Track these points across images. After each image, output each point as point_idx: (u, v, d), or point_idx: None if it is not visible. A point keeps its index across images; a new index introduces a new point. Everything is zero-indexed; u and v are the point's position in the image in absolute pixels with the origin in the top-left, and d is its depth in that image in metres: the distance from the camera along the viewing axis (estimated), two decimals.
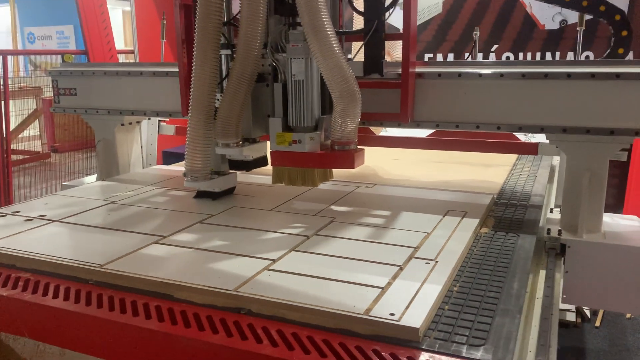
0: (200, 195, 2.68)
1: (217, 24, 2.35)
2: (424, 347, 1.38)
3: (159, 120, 3.77)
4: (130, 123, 3.37)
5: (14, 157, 7.85)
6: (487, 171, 3.34)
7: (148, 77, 3.08)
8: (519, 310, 1.59)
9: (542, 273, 2.12)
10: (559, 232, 2.35)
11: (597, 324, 3.54)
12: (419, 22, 5.67)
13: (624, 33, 2.88)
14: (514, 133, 2.67)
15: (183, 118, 3.05)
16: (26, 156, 8.44)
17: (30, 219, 2.36)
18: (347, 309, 1.49)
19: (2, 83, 5.17)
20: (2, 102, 5.14)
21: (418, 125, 2.52)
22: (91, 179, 3.45)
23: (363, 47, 2.48)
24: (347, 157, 2.31)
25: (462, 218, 2.31)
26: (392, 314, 1.47)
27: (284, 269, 1.79)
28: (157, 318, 1.57)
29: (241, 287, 1.65)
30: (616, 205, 5.26)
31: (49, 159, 8.61)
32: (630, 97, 2.15)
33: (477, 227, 2.25)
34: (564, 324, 3.49)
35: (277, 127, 2.40)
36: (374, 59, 2.47)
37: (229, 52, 2.54)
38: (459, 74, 2.39)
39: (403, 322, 1.43)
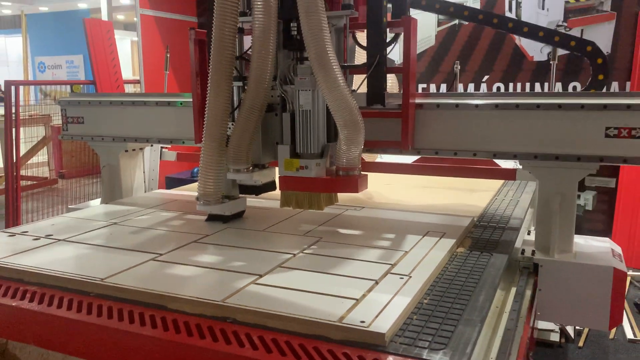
0: (212, 218, 2.82)
1: (230, 58, 2.52)
2: (389, 351, 1.53)
3: (161, 147, 3.97)
4: (133, 150, 3.56)
5: (23, 182, 8.09)
6: (472, 195, 3.50)
7: (150, 106, 3.28)
8: (481, 320, 1.74)
9: (514, 290, 2.27)
10: (533, 252, 2.50)
11: (581, 344, 3.65)
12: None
13: (599, 60, 3.02)
14: (494, 160, 2.83)
15: (183, 145, 3.25)
16: (35, 182, 8.67)
17: (37, 238, 2.54)
18: (322, 317, 1.64)
19: (13, 112, 5.41)
20: (13, 130, 5.37)
21: (419, 152, 2.67)
22: (96, 202, 3.64)
23: (366, 80, 2.62)
24: (352, 182, 2.45)
25: (440, 238, 2.47)
26: (362, 322, 1.62)
27: (269, 283, 1.94)
28: (151, 325, 1.73)
29: (228, 299, 1.80)
30: (605, 230, 5.38)
31: (56, 184, 8.85)
32: (593, 126, 2.32)
33: (454, 247, 2.41)
34: (548, 344, 3.60)
35: (285, 154, 2.55)
36: (376, 91, 2.61)
37: (240, 84, 2.71)
38: (438, 105, 2.58)
39: (371, 328, 1.58)
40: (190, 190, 3.70)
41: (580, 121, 2.33)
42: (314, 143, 2.49)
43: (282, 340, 1.60)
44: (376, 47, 2.55)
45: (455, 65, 3.70)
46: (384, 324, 1.60)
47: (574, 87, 5.32)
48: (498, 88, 5.58)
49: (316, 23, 2.26)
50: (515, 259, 2.49)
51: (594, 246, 2.62)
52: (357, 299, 1.78)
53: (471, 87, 5.73)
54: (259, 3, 2.39)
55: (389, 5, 2.66)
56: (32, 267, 2.13)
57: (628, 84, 5.11)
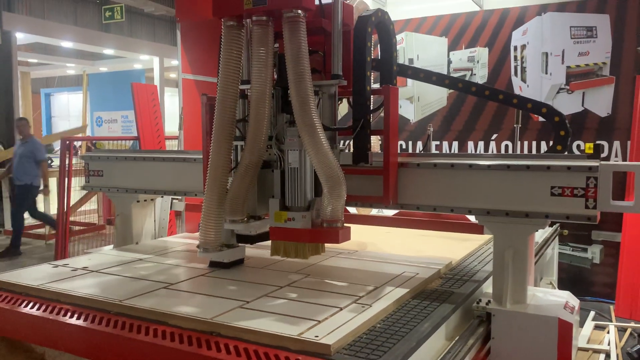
0: (213, 265, 3.07)
1: (231, 120, 2.79)
2: (332, 358, 1.92)
3: (172, 198, 4.34)
4: (145, 200, 3.89)
5: (75, 227, 8.86)
6: (460, 245, 3.79)
7: (158, 162, 3.63)
8: (418, 342, 2.10)
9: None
10: (488, 302, 2.64)
11: None
12: (427, 114, 6.37)
13: (557, 119, 3.14)
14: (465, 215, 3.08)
15: (195, 197, 3.64)
16: (85, 227, 9.41)
17: (75, 269, 3.06)
18: (285, 332, 2.06)
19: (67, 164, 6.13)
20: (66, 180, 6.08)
21: (402, 207, 2.88)
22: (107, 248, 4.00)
23: (352, 141, 2.83)
24: (333, 234, 2.64)
25: (408, 280, 2.83)
26: (316, 336, 2.02)
27: (253, 307, 2.37)
28: (153, 336, 2.19)
29: (216, 317, 2.24)
30: (612, 283, 5.53)
31: (104, 230, 9.56)
32: (539, 185, 2.50)
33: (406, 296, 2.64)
34: None
35: (276, 207, 2.77)
36: (361, 151, 2.82)
37: (242, 143, 2.91)
38: (434, 164, 2.79)
39: (321, 341, 1.98)
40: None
41: (527, 180, 2.53)
42: (301, 197, 2.73)
43: (252, 349, 2.01)
44: (360, 112, 2.81)
45: (429, 128, 4.11)
46: (332, 338, 2.00)
47: (578, 145, 5.62)
48: (506, 146, 5.94)
49: (302, 91, 2.55)
50: (470, 308, 2.68)
51: (549, 298, 2.75)
52: (319, 320, 2.18)
53: (481, 145, 6.12)
54: (255, 74, 2.68)
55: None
56: (67, 290, 2.64)
57: (629, 143, 5.38)
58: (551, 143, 3.06)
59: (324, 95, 2.82)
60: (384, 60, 3.09)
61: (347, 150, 2.99)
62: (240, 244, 3.09)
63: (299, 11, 2.57)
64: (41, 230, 9.23)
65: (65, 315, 2.45)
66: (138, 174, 3.70)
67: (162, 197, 4.10)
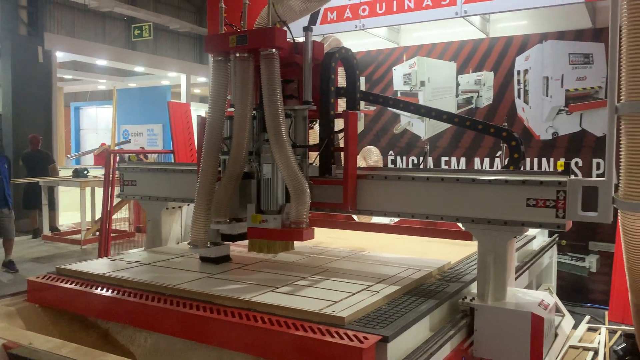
0: (203, 260, 3.53)
1: (218, 138, 3.28)
2: (346, 327, 2.45)
3: None
4: (173, 207, 4.30)
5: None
6: (462, 248, 4.29)
7: (185, 173, 4.01)
8: (413, 321, 2.61)
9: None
10: (472, 299, 3.03)
11: None
12: (438, 132, 6.87)
13: (513, 143, 3.47)
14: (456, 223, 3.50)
15: None
16: (116, 234, 10.05)
17: (130, 262, 3.63)
18: (309, 309, 2.60)
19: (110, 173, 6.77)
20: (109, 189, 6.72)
21: (359, 212, 3.34)
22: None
23: (318, 156, 3.34)
24: (298, 233, 3.11)
25: (410, 275, 3.34)
26: (333, 311, 2.56)
27: (281, 292, 2.92)
28: (203, 311, 2.74)
29: (252, 297, 2.79)
30: (607, 291, 5.95)
31: (134, 237, 10.20)
32: (516, 197, 2.86)
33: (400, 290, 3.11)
34: None
35: (252, 210, 3.27)
36: (326, 165, 3.35)
37: (227, 157, 3.35)
38: (385, 177, 3.25)
39: (337, 314, 2.52)
40: None
41: (505, 193, 2.89)
42: (273, 202, 3.22)
43: (282, 321, 2.55)
44: (325, 133, 3.33)
45: (425, 146, 4.64)
46: (345, 313, 2.53)
47: (576, 163, 6.09)
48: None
49: (274, 114, 3.03)
50: (456, 303, 3.06)
51: (526, 297, 3.11)
52: (335, 301, 2.72)
53: (487, 162, 6.61)
54: (238, 100, 3.18)
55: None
56: (127, 277, 3.21)
57: None
58: (506, 162, 3.46)
59: (297, 118, 3.28)
60: (348, 89, 3.60)
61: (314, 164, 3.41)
62: (225, 242, 3.56)
63: (273, 50, 3.08)
64: (77, 236, 9.89)
65: (129, 296, 3.02)
66: (167, 184, 4.13)
67: (188, 205, 4.40)
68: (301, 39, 3.31)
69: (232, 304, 2.78)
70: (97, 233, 9.75)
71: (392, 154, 7.33)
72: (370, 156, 4.54)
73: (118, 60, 14.86)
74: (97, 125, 21.73)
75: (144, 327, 2.96)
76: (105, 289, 3.13)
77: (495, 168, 6.42)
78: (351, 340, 2.32)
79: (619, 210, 2.89)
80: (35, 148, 10.66)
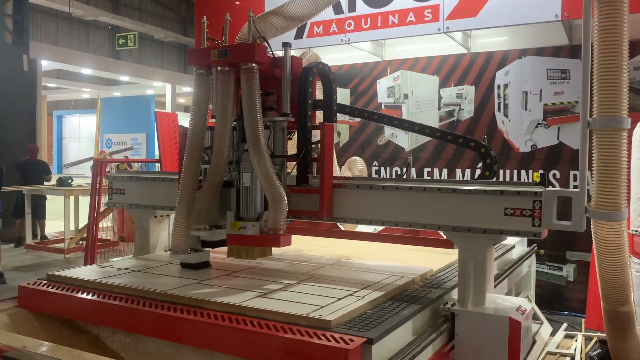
0: (183, 266, 3.63)
1: (199, 147, 3.36)
2: (332, 329, 2.55)
3: None
4: (161, 215, 4.33)
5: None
6: (444, 257, 4.42)
7: (173, 182, 3.95)
8: (396, 324, 2.72)
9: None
10: (453, 304, 3.11)
11: None
12: (420, 143, 7.03)
13: (483, 150, 3.70)
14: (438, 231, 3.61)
15: None
16: (100, 243, 10.03)
17: (120, 269, 3.70)
18: (297, 313, 2.69)
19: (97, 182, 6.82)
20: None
21: (334, 219, 3.44)
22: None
23: (296, 166, 3.44)
24: (276, 239, 3.19)
25: (394, 282, 3.46)
26: (320, 315, 2.66)
27: (270, 297, 3.01)
28: (190, 314, 2.82)
29: (242, 302, 2.88)
30: (584, 299, 6.13)
31: (118, 245, 10.19)
32: (495, 206, 2.94)
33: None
34: None
35: (232, 217, 3.33)
36: (303, 174, 3.44)
37: (208, 166, 3.41)
38: (357, 185, 3.37)
39: (324, 318, 2.62)
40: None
41: (485, 202, 2.98)
42: (251, 210, 3.28)
43: (271, 324, 2.65)
44: (303, 144, 3.43)
45: (409, 157, 4.79)
46: (332, 317, 2.64)
47: (554, 174, 6.29)
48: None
49: (253, 125, 3.11)
50: (437, 308, 3.14)
51: (504, 303, 3.21)
52: (322, 306, 2.82)
53: (468, 173, 6.79)
54: (218, 111, 3.27)
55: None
56: (118, 283, 3.28)
57: None
58: (480, 171, 3.60)
59: (276, 129, 3.38)
60: (325, 101, 3.73)
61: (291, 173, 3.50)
62: (205, 249, 3.64)
63: (253, 64, 3.18)
64: (61, 245, 9.86)
65: (120, 301, 3.09)
66: (155, 192, 4.18)
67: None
68: (281, 54, 3.43)
69: (221, 309, 2.87)
70: (81, 242, 9.74)
71: (376, 164, 7.48)
72: (355, 166, 4.67)
73: (103, 69, 14.88)
74: (80, 134, 21.57)
75: (134, 331, 3.02)
76: (96, 295, 3.19)
77: (475, 178, 6.58)
78: (337, 342, 2.42)
79: (591, 220, 3.04)
80: (34, 157, 10.65)
